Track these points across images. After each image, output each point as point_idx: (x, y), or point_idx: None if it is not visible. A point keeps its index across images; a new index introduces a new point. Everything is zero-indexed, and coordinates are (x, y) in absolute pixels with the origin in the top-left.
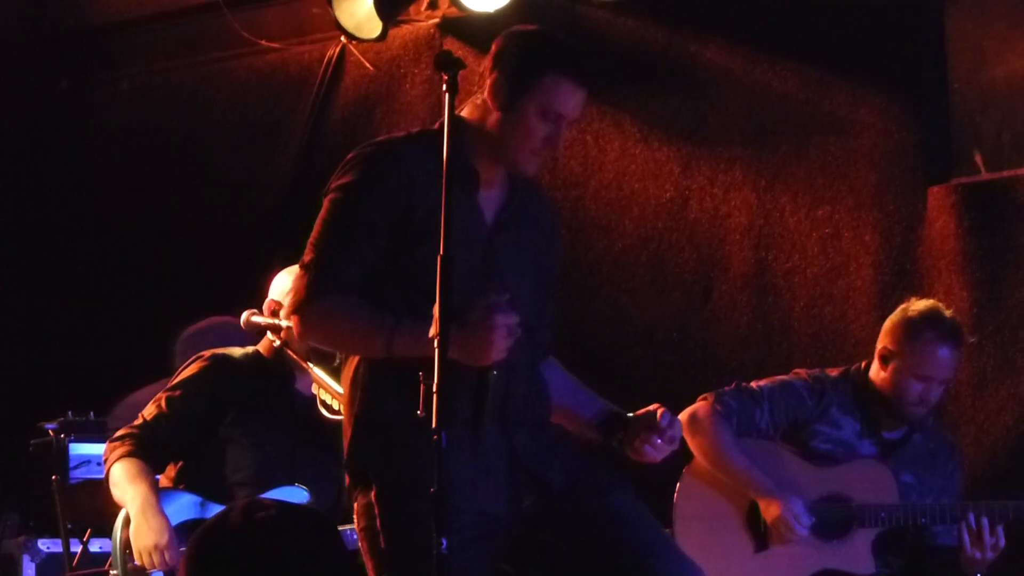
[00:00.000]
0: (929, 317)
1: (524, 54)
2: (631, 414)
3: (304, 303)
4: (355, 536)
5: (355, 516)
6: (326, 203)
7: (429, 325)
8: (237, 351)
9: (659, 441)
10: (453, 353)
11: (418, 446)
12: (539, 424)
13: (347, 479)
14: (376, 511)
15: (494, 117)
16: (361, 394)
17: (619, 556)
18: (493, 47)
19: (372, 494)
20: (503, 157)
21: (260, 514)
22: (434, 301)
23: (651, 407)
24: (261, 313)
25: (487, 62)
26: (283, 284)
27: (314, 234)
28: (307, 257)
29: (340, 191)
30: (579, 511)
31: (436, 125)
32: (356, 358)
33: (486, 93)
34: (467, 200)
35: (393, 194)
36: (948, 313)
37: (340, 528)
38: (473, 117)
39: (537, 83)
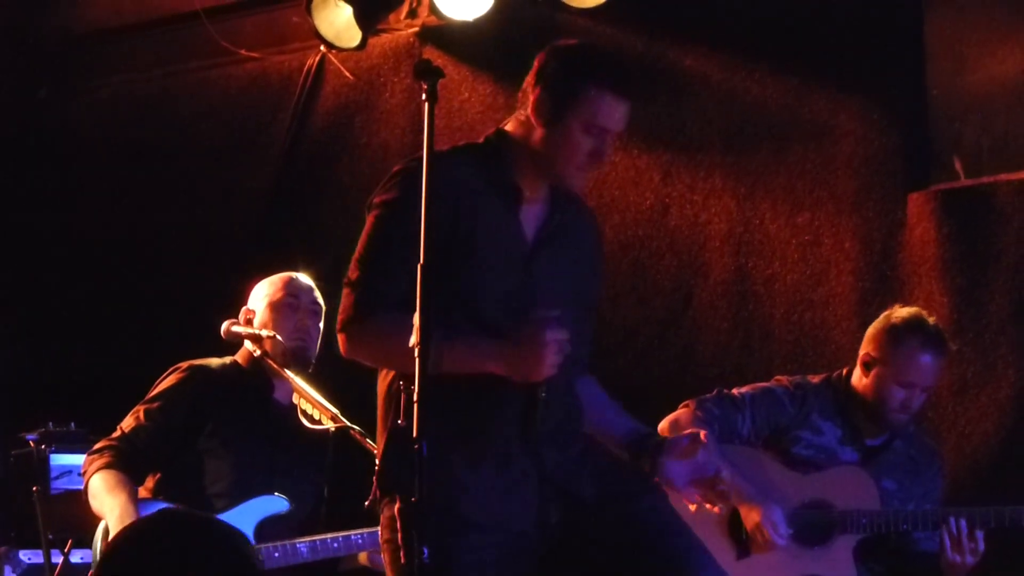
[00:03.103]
0: (912, 324)
1: (566, 69)
2: (665, 436)
3: (351, 322)
4: (334, 545)
5: (380, 528)
6: (370, 219)
7: (479, 341)
8: (215, 361)
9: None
10: (502, 369)
11: (443, 465)
12: (569, 440)
13: (375, 491)
14: (398, 525)
15: (538, 133)
16: (394, 410)
17: (653, 564)
18: (536, 63)
19: (396, 508)
20: (549, 173)
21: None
22: (478, 319)
23: (690, 431)
24: (239, 322)
25: (529, 78)
26: (257, 292)
27: (358, 251)
28: (352, 275)
29: (383, 207)
30: (611, 520)
31: (482, 139)
32: (391, 372)
33: (529, 109)
34: (509, 216)
35: (438, 208)
36: (931, 320)
37: (319, 537)
38: (517, 133)
39: (580, 98)
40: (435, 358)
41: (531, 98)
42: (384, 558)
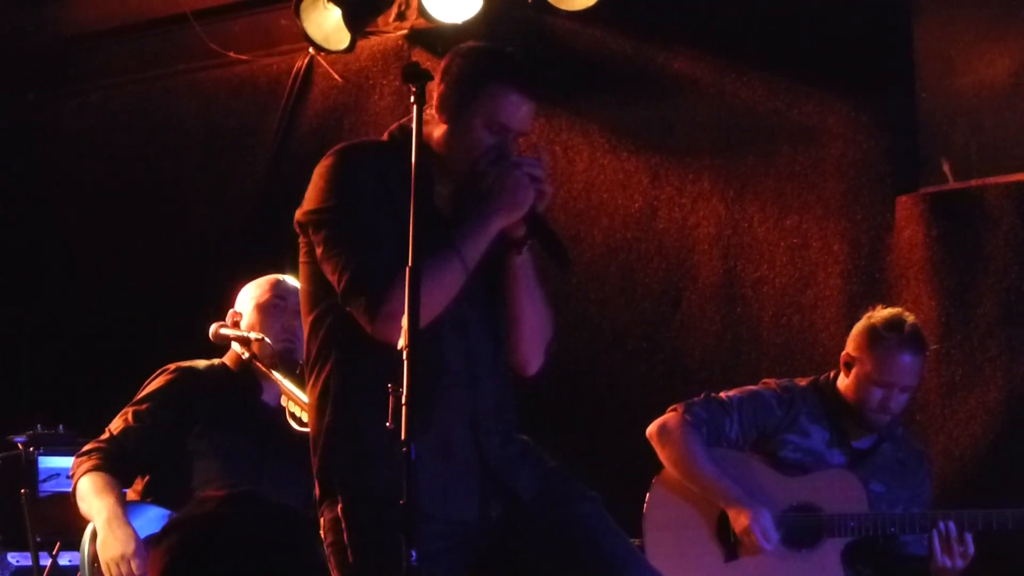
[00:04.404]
0: (890, 324)
1: (470, 66)
2: None
3: (380, 318)
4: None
5: (322, 532)
6: (320, 224)
7: (473, 218)
8: (202, 363)
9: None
10: (502, 213)
11: (387, 457)
12: (509, 433)
13: (317, 492)
14: (343, 525)
15: (441, 130)
16: (332, 405)
17: (587, 567)
18: (442, 62)
19: (339, 508)
20: (451, 170)
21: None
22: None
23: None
24: (227, 325)
25: (436, 75)
26: (244, 295)
27: (334, 259)
28: (345, 282)
29: (335, 209)
30: (548, 521)
31: (385, 136)
32: (323, 370)
33: (434, 106)
34: (428, 209)
35: (374, 182)
36: (910, 320)
37: None
38: (425, 131)
39: (481, 94)
40: (462, 265)
41: (435, 94)
42: (330, 563)
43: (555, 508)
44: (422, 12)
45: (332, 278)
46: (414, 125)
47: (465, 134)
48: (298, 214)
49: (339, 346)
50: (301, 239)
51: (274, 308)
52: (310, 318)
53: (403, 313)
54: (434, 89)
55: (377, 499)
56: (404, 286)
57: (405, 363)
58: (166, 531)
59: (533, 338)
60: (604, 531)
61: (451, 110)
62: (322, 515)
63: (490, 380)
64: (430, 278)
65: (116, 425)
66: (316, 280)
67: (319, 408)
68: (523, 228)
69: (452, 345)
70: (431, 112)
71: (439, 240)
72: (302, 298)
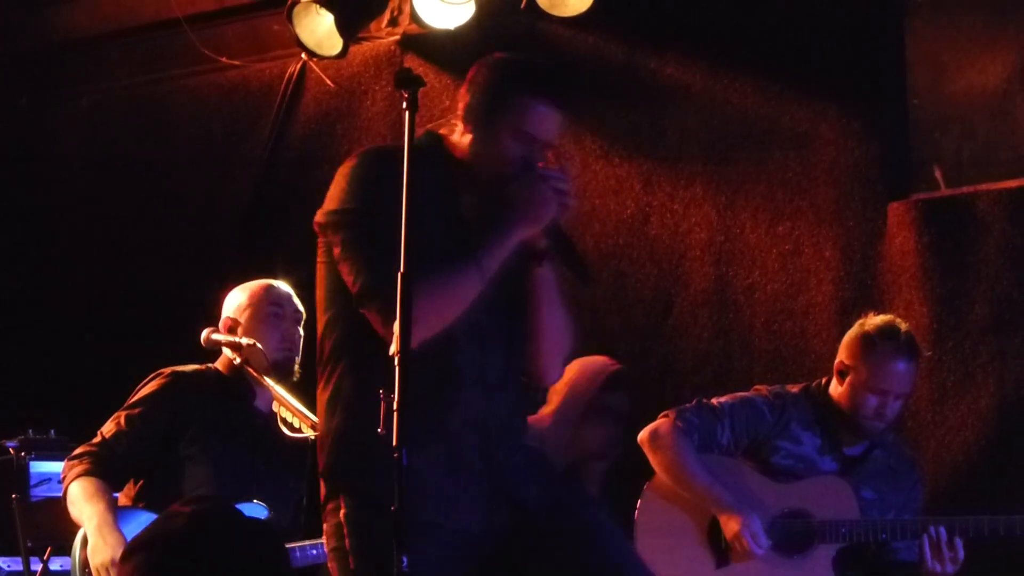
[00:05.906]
0: (884, 331)
1: (497, 75)
2: None
3: (393, 324)
4: (312, 552)
5: (325, 536)
6: (340, 225)
7: (494, 229)
8: (196, 368)
9: None
10: (525, 225)
11: (391, 464)
12: (517, 441)
13: (322, 495)
14: (345, 531)
15: (467, 140)
16: (341, 407)
17: (593, 574)
18: (470, 72)
19: (342, 513)
20: (477, 179)
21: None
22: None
23: None
24: (219, 330)
25: (464, 85)
26: (237, 301)
27: (351, 262)
28: (361, 285)
29: (352, 201)
30: (554, 529)
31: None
32: (335, 372)
33: (460, 114)
34: (452, 217)
35: (397, 187)
36: (904, 327)
37: (298, 544)
38: (449, 137)
39: (509, 104)
40: (480, 276)
41: (462, 104)
42: (331, 567)
43: (562, 516)
44: (415, 18)
45: (348, 280)
46: (406, 133)
47: (492, 144)
48: (318, 214)
49: (352, 349)
50: (320, 239)
51: (273, 317)
52: (325, 317)
53: (419, 320)
54: (461, 98)
55: (381, 506)
56: (420, 293)
57: (396, 369)
58: (132, 549)
59: (552, 350)
60: (609, 539)
61: (478, 120)
62: (326, 520)
63: (503, 389)
64: (446, 286)
65: (108, 429)
66: (333, 281)
67: (329, 409)
68: (545, 240)
69: (466, 353)
70: (457, 121)
71: (462, 249)
72: (318, 297)
